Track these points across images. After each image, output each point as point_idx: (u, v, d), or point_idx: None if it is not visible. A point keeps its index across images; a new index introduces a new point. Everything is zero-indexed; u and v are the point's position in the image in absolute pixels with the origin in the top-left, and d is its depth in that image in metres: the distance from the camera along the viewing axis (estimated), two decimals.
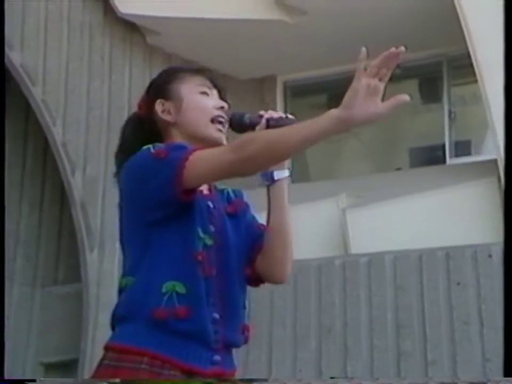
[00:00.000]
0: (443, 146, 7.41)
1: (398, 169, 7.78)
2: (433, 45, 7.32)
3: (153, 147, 1.93)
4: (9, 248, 6.86)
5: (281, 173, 2.03)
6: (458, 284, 5.79)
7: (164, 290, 1.87)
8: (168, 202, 1.89)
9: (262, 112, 2.03)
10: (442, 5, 6.45)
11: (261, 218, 2.12)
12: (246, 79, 7.84)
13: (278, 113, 2.02)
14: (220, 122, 2.07)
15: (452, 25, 6.41)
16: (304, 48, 7.41)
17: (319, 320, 6.00)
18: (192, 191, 1.90)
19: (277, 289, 6.11)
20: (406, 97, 1.72)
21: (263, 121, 2.00)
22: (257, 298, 5.99)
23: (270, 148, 1.81)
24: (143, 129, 2.11)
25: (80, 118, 6.65)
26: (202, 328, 1.88)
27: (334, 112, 1.74)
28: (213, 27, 7.04)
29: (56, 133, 6.50)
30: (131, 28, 7.21)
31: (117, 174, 2.06)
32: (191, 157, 1.86)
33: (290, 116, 2.01)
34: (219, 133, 2.07)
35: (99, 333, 5.98)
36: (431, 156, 7.62)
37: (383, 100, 1.73)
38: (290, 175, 2.07)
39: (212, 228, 1.97)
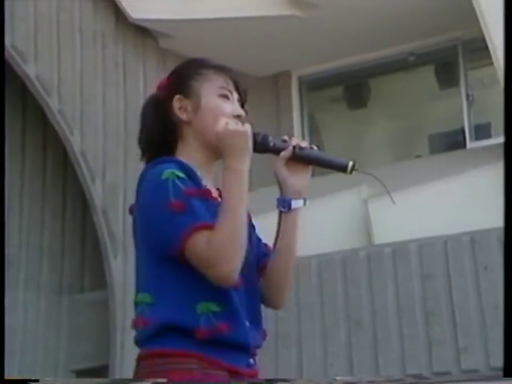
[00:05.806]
0: (463, 130, 7.33)
1: (418, 156, 7.71)
2: (447, 29, 7.24)
3: (173, 192, 1.88)
4: (34, 258, 6.91)
5: (298, 202, 2.06)
6: (486, 268, 5.73)
7: (198, 311, 1.88)
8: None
9: (285, 137, 2.05)
10: None
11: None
12: (261, 76, 7.81)
13: (304, 142, 2.05)
14: None
15: (465, 8, 6.34)
16: (317, 42, 7.37)
17: (347, 313, 5.97)
18: None
19: (303, 285, 6.09)
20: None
21: (290, 147, 2.03)
22: None
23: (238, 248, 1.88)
24: (161, 112, 2.07)
25: (97, 125, 6.67)
26: (244, 338, 1.92)
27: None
28: (224, 26, 7.03)
29: (74, 141, 6.52)
30: (143, 33, 7.22)
31: (142, 159, 2.07)
32: (194, 235, 1.85)
33: (314, 147, 2.06)
34: None
35: (127, 337, 6.00)
36: (451, 141, 7.54)
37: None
38: (304, 201, 2.07)
39: None
